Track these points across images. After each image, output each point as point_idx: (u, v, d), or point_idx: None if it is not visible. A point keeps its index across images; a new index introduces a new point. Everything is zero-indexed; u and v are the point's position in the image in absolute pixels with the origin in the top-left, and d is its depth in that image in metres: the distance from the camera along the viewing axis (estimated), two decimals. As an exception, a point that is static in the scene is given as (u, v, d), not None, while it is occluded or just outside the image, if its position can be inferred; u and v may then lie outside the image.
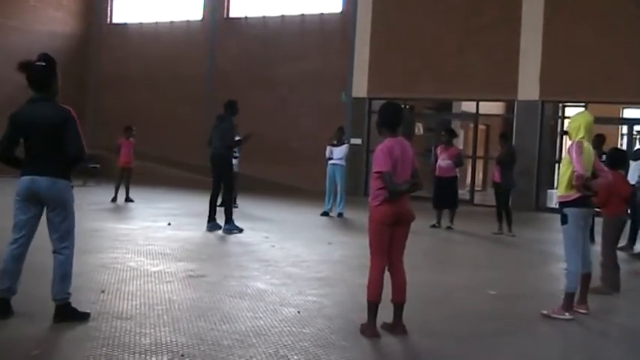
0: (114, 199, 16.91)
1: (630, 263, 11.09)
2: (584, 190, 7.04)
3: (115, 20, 28.86)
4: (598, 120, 8.08)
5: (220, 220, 12.36)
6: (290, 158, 23.82)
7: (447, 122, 23.59)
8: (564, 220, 7.11)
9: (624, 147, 20.04)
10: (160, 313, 6.44)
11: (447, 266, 10.27)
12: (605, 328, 7.03)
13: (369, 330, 6.02)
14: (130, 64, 27.58)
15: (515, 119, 20.62)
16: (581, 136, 7.18)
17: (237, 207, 16.78)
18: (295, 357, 5.32)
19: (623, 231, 9.33)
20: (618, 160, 9.12)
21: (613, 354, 6.23)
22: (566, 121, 21.97)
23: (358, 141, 22.28)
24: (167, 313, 6.43)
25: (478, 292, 8.20)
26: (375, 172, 6.02)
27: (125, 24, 28.46)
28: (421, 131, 25.98)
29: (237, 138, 17.11)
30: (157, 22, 27.54)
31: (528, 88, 20.16)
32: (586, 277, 7.38)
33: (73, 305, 5.99)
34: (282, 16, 24.87)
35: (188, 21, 26.81)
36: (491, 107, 23.60)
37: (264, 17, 25.24)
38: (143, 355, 5.17)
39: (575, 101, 21.11)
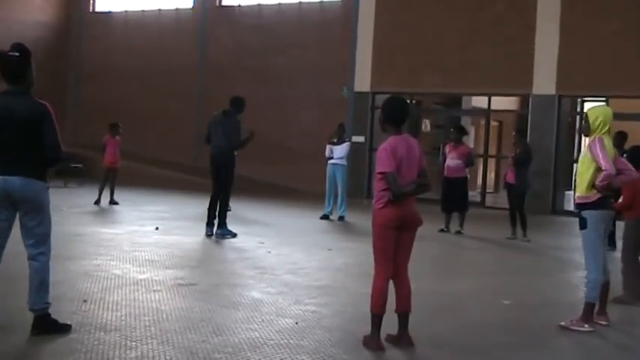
0: (97, 202, 16.91)
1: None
2: (605, 190, 6.96)
3: (97, 8, 28.87)
4: (619, 116, 8.09)
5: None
6: (287, 157, 23.82)
7: (457, 119, 23.59)
8: (583, 224, 7.06)
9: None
10: (147, 324, 6.43)
11: (456, 274, 10.26)
12: (627, 341, 7.02)
13: (372, 342, 6.01)
14: (114, 56, 27.58)
15: (529, 115, 20.63)
16: (604, 131, 7.08)
17: (230, 210, 16.75)
18: (293, 372, 5.32)
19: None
20: (642, 158, 9.03)
21: (636, 368, 6.23)
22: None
23: (360, 139, 22.29)
24: (155, 325, 6.42)
25: (490, 302, 8.19)
26: (378, 173, 6.02)
27: (109, 12, 28.47)
28: (428, 128, 26.00)
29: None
30: (143, 11, 27.56)
31: (544, 82, 20.17)
32: (605, 286, 7.34)
33: (53, 316, 5.98)
34: (279, 4, 24.87)
35: (177, 9, 26.83)
36: (504, 102, 23.61)
37: (259, 5, 25.25)
38: (129, 370, 5.16)
39: (594, 96, 21.09)
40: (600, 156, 6.92)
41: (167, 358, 5.46)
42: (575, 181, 7.46)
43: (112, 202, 17.03)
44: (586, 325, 7.05)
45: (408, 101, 20.83)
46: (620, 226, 9.11)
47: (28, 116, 5.75)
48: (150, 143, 25.79)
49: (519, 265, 11.32)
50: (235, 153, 14.11)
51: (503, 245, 13.46)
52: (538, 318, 7.55)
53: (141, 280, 8.40)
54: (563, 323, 7.13)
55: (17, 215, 5.90)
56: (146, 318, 6.63)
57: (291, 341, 6.10)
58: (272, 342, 6.04)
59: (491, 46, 20.85)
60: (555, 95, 20.18)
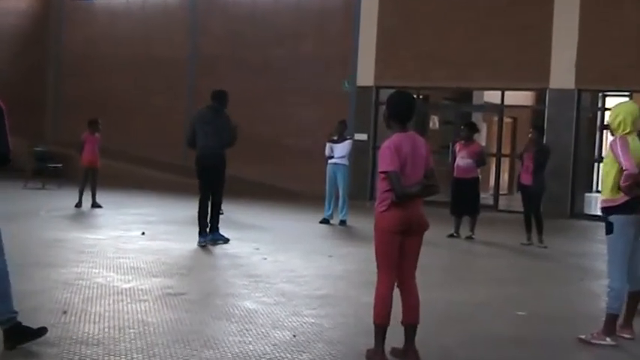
0: (78, 205, 16.89)
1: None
2: (632, 192, 6.89)
3: (80, -5, 28.85)
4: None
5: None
6: (284, 156, 23.80)
7: (467, 115, 23.58)
8: (609, 230, 7.02)
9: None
10: (133, 337, 6.42)
11: (466, 282, 10.26)
12: (652, 356, 7.02)
13: (376, 356, 6.01)
14: (97, 47, 27.54)
15: (546, 111, 20.61)
16: (627, 130, 7.07)
17: (222, 213, 16.74)
18: (290, 389, 5.31)
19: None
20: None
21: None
22: (607, 114, 21.96)
23: (363, 136, 22.27)
24: (141, 338, 6.41)
25: (504, 313, 8.19)
26: (381, 172, 6.01)
27: (91, 0, 28.46)
28: (437, 125, 25.98)
29: None
30: (129, -2, 27.55)
31: (562, 75, 20.15)
32: (635, 296, 7.30)
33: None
34: (275, -9, 24.88)
35: (166, -4, 26.83)
36: (519, 97, 23.58)
37: (254, -8, 25.25)
38: (112, 387, 5.16)
39: (617, 90, 21.09)
40: (621, 155, 6.90)
41: (154, 373, 5.46)
42: (600, 182, 7.42)
43: (95, 204, 17.01)
44: (608, 339, 7.04)
45: (415, 96, 20.84)
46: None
47: None
48: (136, 141, 25.76)
49: (535, 273, 11.31)
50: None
51: (518, 251, 13.45)
52: (555, 330, 7.54)
53: (126, 289, 8.39)
54: (582, 336, 7.12)
55: None
56: (131, 330, 6.62)
57: (288, 355, 6.10)
58: (267, 356, 6.04)
59: (505, 36, 20.83)
60: (574, 89, 20.15)
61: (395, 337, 6.07)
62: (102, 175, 17.62)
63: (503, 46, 20.84)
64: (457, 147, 14.87)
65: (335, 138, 16.21)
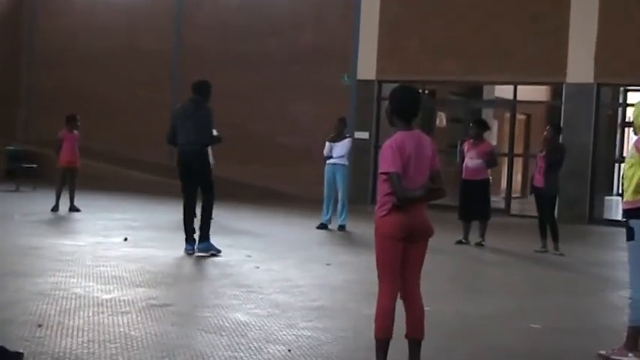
0: (55, 208, 16.89)
1: None
2: None
3: (56, -20, 28.85)
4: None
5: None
6: (278, 156, 23.81)
7: (477, 111, 23.59)
8: (630, 235, 7.01)
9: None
10: (114, 352, 6.42)
11: (476, 293, 10.26)
12: (677, 372, 7.02)
13: (377, 373, 6.02)
14: (75, 37, 27.54)
15: (563, 107, 20.64)
16: (651, 128, 7.07)
17: (212, 218, 16.73)
18: (285, 408, 5.32)
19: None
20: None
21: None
22: (629, 110, 21.98)
23: (364, 135, 22.30)
24: (123, 353, 6.41)
25: (516, 326, 8.19)
26: (382, 174, 6.02)
27: (69, -14, 28.47)
28: (444, 123, 26.00)
29: (215, 133, 17.16)
30: (110, -16, 27.56)
31: (580, 68, 20.18)
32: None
33: (0, 344, 5.97)
34: (269, -23, 24.91)
35: (150, -17, 26.85)
36: (533, 92, 23.61)
37: (245, -22, 25.27)
38: (92, 406, 5.16)
39: None
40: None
41: (137, 391, 5.46)
42: (621, 184, 7.41)
43: (73, 208, 17.01)
44: (630, 354, 7.03)
45: (420, 91, 20.83)
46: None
47: None
48: (117, 139, 25.76)
49: (550, 283, 11.32)
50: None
51: (532, 260, 13.45)
52: (572, 345, 7.55)
53: (106, 300, 8.39)
54: (602, 352, 7.12)
55: None
56: (112, 345, 6.62)
57: (282, 372, 6.10)
58: (260, 373, 6.04)
59: (518, 26, 20.85)
60: (593, 84, 20.18)
61: (398, 352, 6.08)
62: (80, 177, 17.61)
63: (516, 37, 20.86)
64: (466, 146, 14.87)
65: (332, 136, 16.20)
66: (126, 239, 13.04)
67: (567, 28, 20.31)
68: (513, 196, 22.73)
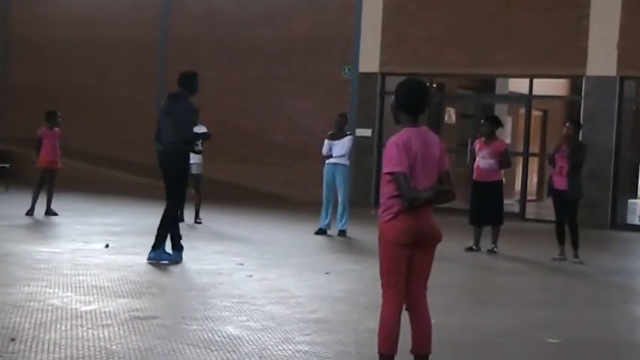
0: (30, 212, 16.87)
1: None
2: None
3: (30, -36, 28.86)
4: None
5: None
6: (274, 156, 23.84)
7: (489, 107, 23.60)
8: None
9: None
10: (94, 368, 6.42)
11: (488, 305, 10.27)
12: None
13: (381, 392, 6.02)
14: (53, 27, 27.55)
15: (583, 102, 20.65)
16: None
17: (200, 222, 16.78)
18: None
19: None
20: None
21: None
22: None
23: (367, 132, 22.31)
24: (103, 369, 6.41)
25: (532, 341, 8.19)
26: (386, 174, 6.01)
27: (45, -30, 28.48)
28: (453, 119, 26.03)
29: (201, 129, 17.15)
30: (90, -31, 27.57)
31: (602, 60, 20.19)
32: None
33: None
34: (263, -40, 24.92)
35: (133, -33, 26.86)
36: (550, 86, 23.63)
37: (237, -38, 25.29)
38: None
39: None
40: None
41: (119, 411, 5.46)
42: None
43: (49, 212, 16.99)
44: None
45: (428, 84, 20.84)
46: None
47: None
48: (97, 138, 25.77)
49: (569, 294, 11.32)
50: (198, 146, 13.88)
51: (549, 268, 13.46)
52: (593, 361, 7.56)
53: (86, 312, 8.38)
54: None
55: None
56: (92, 361, 6.63)
57: (277, 390, 6.10)
58: (253, 391, 6.04)
59: (534, 14, 20.87)
60: (616, 77, 20.19)
61: (404, 368, 6.09)
62: (58, 178, 17.57)
63: (532, 25, 20.87)
64: (477, 145, 14.87)
65: (331, 133, 16.19)
66: (107, 246, 13.03)
67: (588, 16, 20.32)
68: (528, 198, 22.75)
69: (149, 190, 21.45)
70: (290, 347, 7.34)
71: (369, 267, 10.87)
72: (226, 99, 23.78)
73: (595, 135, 19.58)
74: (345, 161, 16.11)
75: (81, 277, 10.30)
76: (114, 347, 7.06)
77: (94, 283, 10.00)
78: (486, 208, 14.54)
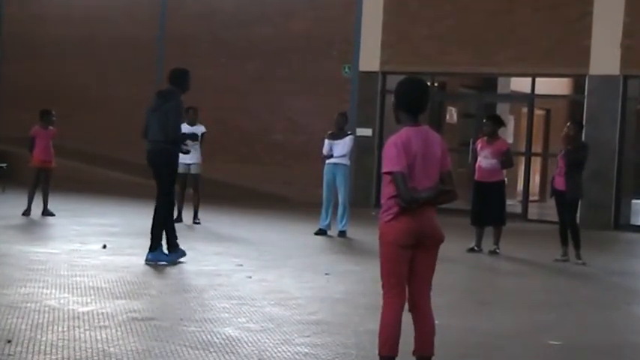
0: (26, 212, 16.87)
1: None
2: None
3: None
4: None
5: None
6: (273, 156, 23.82)
7: (491, 106, 23.59)
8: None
9: None
10: (91, 370, 6.42)
11: (490, 307, 10.27)
12: None
13: (382, 394, 6.02)
14: (50, 25, 27.52)
15: (586, 102, 20.63)
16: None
17: (199, 222, 16.78)
18: None
19: None
20: None
21: None
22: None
23: (367, 132, 22.31)
24: (100, 371, 6.41)
25: (534, 343, 8.19)
26: (385, 173, 6.01)
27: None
28: (454, 119, 26.01)
29: (200, 129, 17.15)
30: (87, -34, 27.56)
31: (605, 59, 20.17)
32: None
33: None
34: (262, -42, 24.92)
35: (131, -36, 26.85)
36: (553, 85, 23.61)
37: (236, -41, 25.28)
38: None
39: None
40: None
41: (116, 414, 5.47)
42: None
43: (46, 212, 16.98)
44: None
45: (429, 83, 20.85)
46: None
47: None
48: (96, 137, 25.75)
49: (571, 296, 11.32)
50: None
51: (551, 269, 13.46)
52: (596, 363, 7.56)
53: (83, 313, 8.38)
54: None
55: None
56: (89, 363, 6.63)
57: (277, 393, 6.11)
58: (252, 394, 6.04)
59: (537, 12, 20.86)
60: (619, 76, 20.18)
61: (404, 370, 6.09)
62: (55, 178, 17.57)
63: (535, 24, 20.86)
64: (479, 144, 14.87)
65: (330, 132, 16.18)
66: (105, 246, 13.03)
67: (591, 14, 20.30)
68: (531, 199, 22.74)
69: (147, 191, 21.31)
70: (289, 349, 7.34)
71: (370, 268, 10.87)
72: (225, 98, 23.77)
73: (598, 134, 19.58)
74: (345, 161, 16.11)
75: (78, 278, 10.30)
76: (111, 349, 7.06)
77: (91, 284, 10.01)
78: (488, 209, 14.54)
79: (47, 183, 17.15)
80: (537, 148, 25.28)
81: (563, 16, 20.53)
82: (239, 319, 8.45)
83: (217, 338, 7.60)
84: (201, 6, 25.30)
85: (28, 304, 8.66)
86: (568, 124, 14.63)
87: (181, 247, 12.04)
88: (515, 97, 24.74)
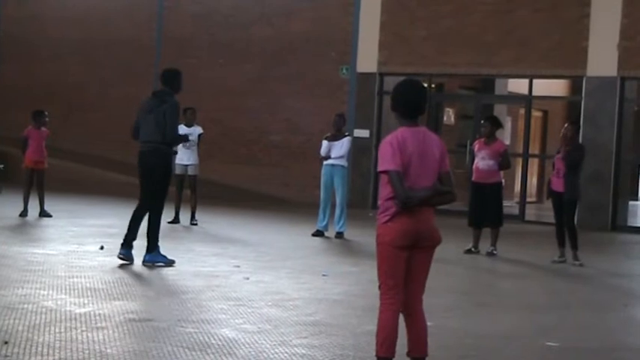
0: (23, 213, 16.86)
1: None
2: None
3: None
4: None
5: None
6: (270, 157, 23.82)
7: (489, 107, 23.60)
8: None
9: None
10: (88, 371, 6.42)
11: (487, 308, 10.27)
12: None
13: (379, 395, 6.02)
14: (45, 26, 27.50)
15: (583, 103, 20.64)
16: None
17: (196, 224, 16.78)
18: None
19: None
20: None
21: None
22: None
23: (365, 133, 22.31)
24: (98, 373, 6.41)
25: (532, 344, 8.20)
26: (381, 173, 6.01)
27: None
28: (452, 120, 26.02)
29: (197, 130, 17.14)
30: (84, -33, 27.56)
31: (603, 60, 20.18)
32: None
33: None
34: (260, -41, 24.92)
35: (128, -35, 26.85)
36: (551, 86, 23.63)
37: (234, -40, 25.28)
38: None
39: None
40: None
41: (114, 415, 5.46)
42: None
43: (43, 213, 16.96)
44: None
45: (426, 85, 20.86)
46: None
47: None
48: (92, 138, 25.74)
49: (569, 297, 11.33)
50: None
51: (549, 271, 13.46)
52: (593, 365, 7.56)
53: (80, 314, 8.38)
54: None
55: None
56: (87, 364, 6.62)
57: (274, 394, 6.10)
58: (250, 395, 6.04)
59: (534, 13, 20.86)
60: (617, 77, 20.18)
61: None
62: (52, 179, 17.57)
63: (532, 25, 20.87)
64: (476, 146, 14.87)
65: (329, 135, 16.20)
66: (102, 247, 13.02)
67: (589, 16, 20.31)
68: (528, 200, 22.75)
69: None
70: (287, 350, 7.34)
71: (367, 269, 10.87)
72: (223, 99, 23.77)
73: (595, 136, 19.59)
74: (343, 162, 16.11)
75: (75, 279, 10.30)
76: (108, 350, 7.06)
77: (88, 285, 10.00)
78: (486, 210, 14.54)
79: (41, 184, 17.10)
80: (535, 149, 25.29)
81: (561, 18, 20.54)
82: (236, 321, 8.45)
83: (214, 339, 7.60)
84: (198, 7, 25.29)
85: (26, 306, 8.65)
86: (566, 125, 14.64)
87: (179, 248, 12.04)
88: (513, 99, 24.75)
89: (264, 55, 24.20)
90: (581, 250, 14.05)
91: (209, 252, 12.91)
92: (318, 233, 16.03)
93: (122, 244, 11.79)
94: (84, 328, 7.79)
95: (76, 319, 8.17)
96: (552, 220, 14.63)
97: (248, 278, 11.02)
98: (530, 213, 22.11)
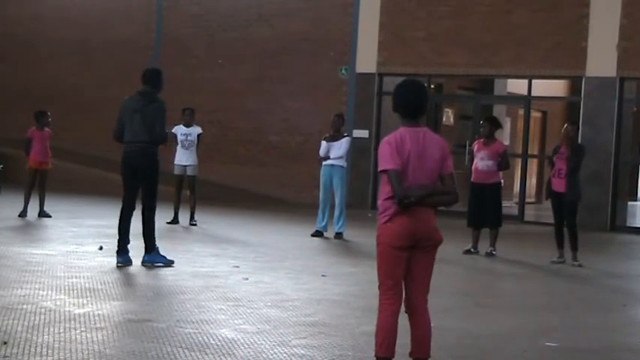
0: (23, 214, 16.86)
1: None
2: None
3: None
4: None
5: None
6: (268, 157, 23.81)
7: (488, 108, 23.60)
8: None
9: None
10: (87, 372, 6.42)
11: (487, 309, 10.27)
12: None
13: (378, 396, 6.02)
14: (44, 26, 27.50)
15: (582, 103, 20.64)
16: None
17: (195, 224, 16.77)
18: None
19: None
20: None
21: None
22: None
23: (364, 133, 22.30)
24: (97, 373, 6.40)
25: (531, 345, 8.19)
26: (381, 172, 6.01)
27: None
28: (451, 120, 26.02)
29: (196, 130, 17.15)
30: (83, -33, 27.55)
31: (602, 60, 20.18)
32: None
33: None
34: (259, -41, 24.91)
35: (127, -34, 26.84)
36: (550, 87, 23.63)
37: (233, -39, 25.28)
38: None
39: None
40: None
41: (113, 416, 5.46)
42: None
43: (43, 213, 16.97)
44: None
45: (426, 85, 20.83)
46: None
47: None
48: (91, 138, 25.71)
49: (568, 298, 11.33)
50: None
51: (548, 271, 13.46)
52: (593, 365, 7.56)
53: (79, 315, 8.38)
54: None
55: None
56: (86, 364, 6.62)
57: (273, 394, 6.10)
58: (249, 395, 6.04)
59: (534, 14, 20.86)
60: (616, 77, 20.19)
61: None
62: (52, 179, 17.56)
63: (532, 25, 20.86)
64: (475, 146, 14.87)
65: (327, 135, 16.19)
66: (101, 248, 13.02)
67: (588, 16, 20.31)
68: (527, 201, 22.74)
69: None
70: (286, 351, 7.34)
71: (366, 270, 10.88)
72: (222, 99, 23.76)
73: (595, 136, 19.60)
74: (342, 163, 16.10)
75: (74, 280, 10.30)
76: (107, 350, 7.06)
77: (87, 285, 10.00)
78: (485, 211, 14.54)
79: (43, 184, 17.14)
80: (534, 150, 25.28)
81: (561, 18, 20.54)
82: (235, 321, 8.45)
83: (214, 340, 7.60)
84: (197, 7, 25.28)
85: (25, 306, 8.65)
86: (566, 125, 14.62)
87: (178, 248, 12.04)
88: (512, 99, 24.75)
89: (263, 56, 24.19)
90: (581, 251, 14.04)
91: (208, 252, 12.91)
92: (318, 234, 16.03)
93: (117, 252, 11.72)
94: (83, 329, 7.79)
95: (75, 319, 8.17)
96: (551, 220, 14.63)
97: (247, 279, 11.02)
98: (530, 213, 22.12)
